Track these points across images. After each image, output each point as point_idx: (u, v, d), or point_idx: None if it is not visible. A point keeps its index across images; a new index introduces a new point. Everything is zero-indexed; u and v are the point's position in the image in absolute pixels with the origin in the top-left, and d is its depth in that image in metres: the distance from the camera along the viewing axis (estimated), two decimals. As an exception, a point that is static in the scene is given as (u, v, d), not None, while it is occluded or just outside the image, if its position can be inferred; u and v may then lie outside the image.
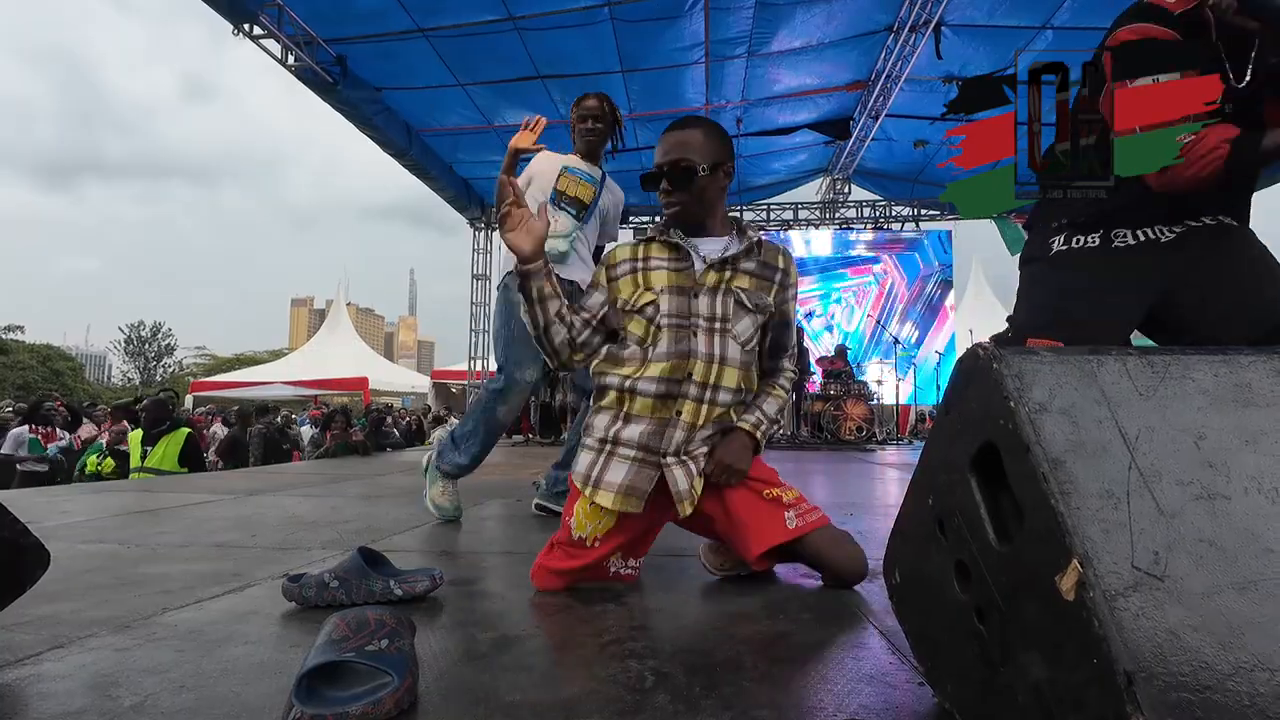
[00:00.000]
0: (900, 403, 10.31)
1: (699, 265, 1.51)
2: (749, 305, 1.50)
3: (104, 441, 6.51)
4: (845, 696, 0.91)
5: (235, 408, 10.65)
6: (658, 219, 1.63)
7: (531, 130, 2.31)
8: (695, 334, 1.46)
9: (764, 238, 1.59)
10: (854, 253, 12.93)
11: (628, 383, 1.45)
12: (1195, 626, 0.54)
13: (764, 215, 12.76)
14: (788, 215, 12.79)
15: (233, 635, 1.13)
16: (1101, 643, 0.53)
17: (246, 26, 6.40)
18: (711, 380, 1.46)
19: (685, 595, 1.44)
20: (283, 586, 1.32)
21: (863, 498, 3.35)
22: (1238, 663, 0.52)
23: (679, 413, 1.44)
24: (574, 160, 2.49)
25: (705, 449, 1.47)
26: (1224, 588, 0.55)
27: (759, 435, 1.52)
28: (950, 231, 12.75)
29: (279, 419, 9.98)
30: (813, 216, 12.74)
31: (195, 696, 0.88)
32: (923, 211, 12.34)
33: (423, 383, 19.86)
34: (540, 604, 1.37)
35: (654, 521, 1.51)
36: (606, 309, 1.52)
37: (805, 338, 10.06)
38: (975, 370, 0.74)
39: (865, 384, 8.79)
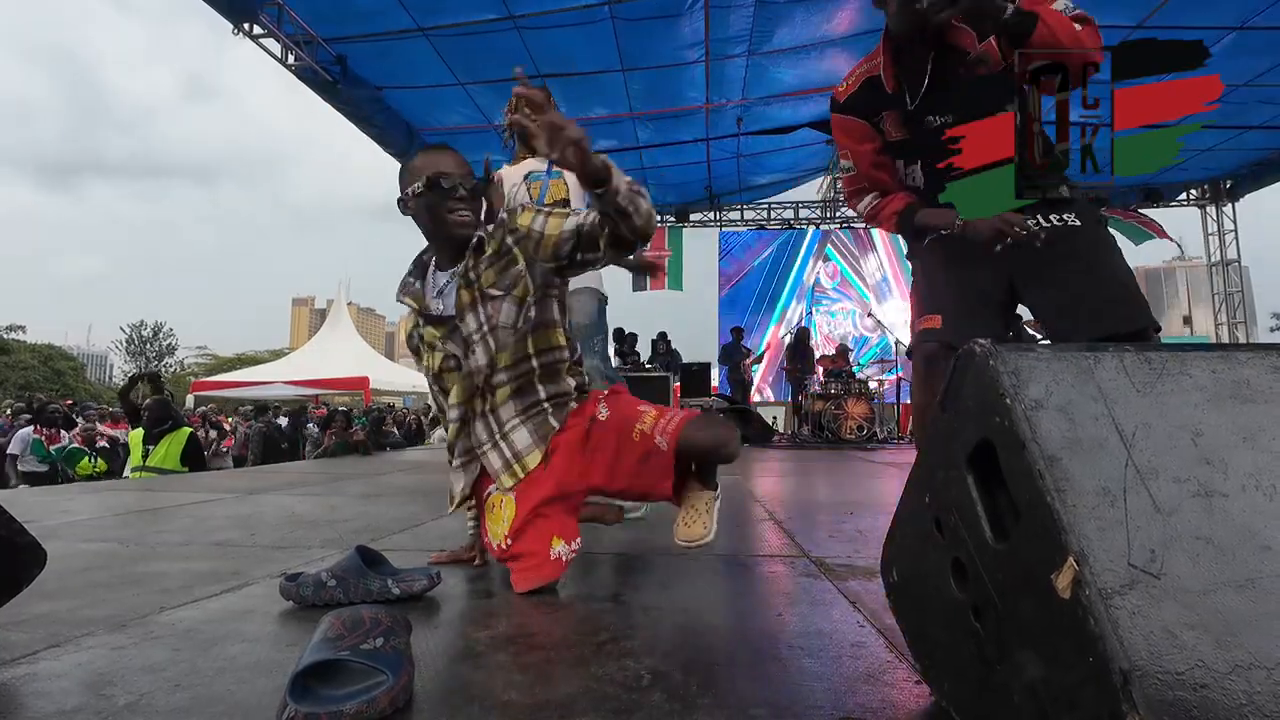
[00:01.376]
0: (901, 401, 10.29)
1: (449, 299, 1.55)
2: (499, 292, 1.51)
3: (77, 444, 6.55)
4: (842, 695, 0.90)
5: (248, 406, 10.65)
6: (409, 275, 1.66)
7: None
8: (473, 350, 1.52)
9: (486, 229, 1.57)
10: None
11: (443, 415, 1.62)
12: (1192, 624, 0.53)
13: (764, 214, 12.75)
14: (788, 214, 12.78)
15: (229, 634, 1.13)
16: (1097, 641, 0.53)
17: (246, 26, 6.40)
18: (490, 376, 1.53)
19: (682, 594, 1.44)
20: (280, 585, 1.32)
21: (863, 497, 3.35)
22: (1234, 661, 0.52)
23: (474, 409, 1.56)
24: (526, 165, 2.41)
25: (518, 420, 1.53)
26: (1221, 585, 0.55)
27: (612, 172, 1.37)
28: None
29: (281, 418, 10.01)
30: (813, 215, 12.73)
31: (190, 695, 0.88)
32: (923, 210, 12.31)
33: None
34: (537, 603, 1.36)
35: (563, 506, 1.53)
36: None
37: (810, 338, 10.01)
38: (971, 367, 0.74)
39: (866, 383, 8.77)
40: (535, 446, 1.52)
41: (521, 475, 1.51)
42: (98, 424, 7.43)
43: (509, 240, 1.52)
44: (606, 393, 1.64)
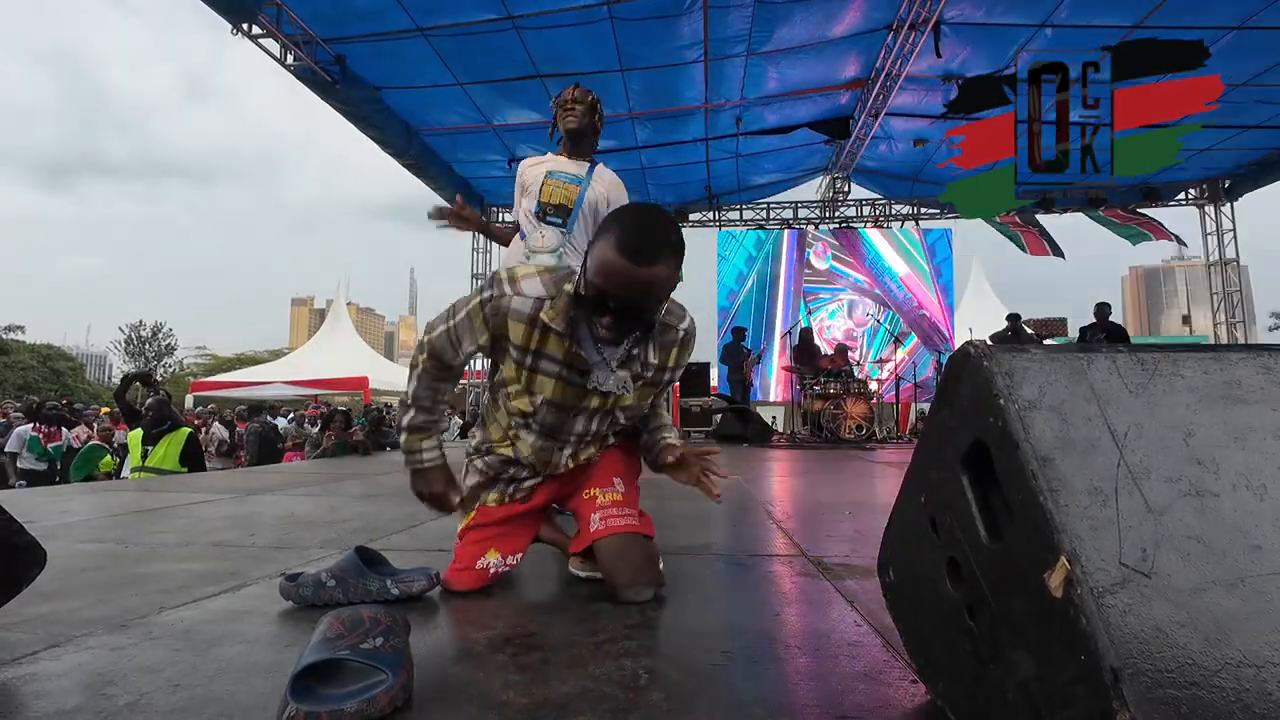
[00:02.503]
0: (900, 400, 10.30)
1: (600, 379, 1.35)
2: (624, 421, 1.49)
3: (96, 442, 6.54)
4: (839, 694, 0.91)
5: (242, 407, 10.66)
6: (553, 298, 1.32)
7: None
8: (562, 448, 1.47)
9: (672, 323, 1.40)
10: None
11: (516, 420, 1.46)
12: (1182, 623, 0.54)
13: (763, 214, 12.76)
14: (787, 214, 12.78)
15: (228, 634, 1.13)
16: (1089, 640, 0.53)
17: (245, 26, 6.41)
18: (589, 434, 1.48)
19: (679, 594, 1.44)
20: (280, 586, 1.33)
21: (862, 496, 3.35)
22: (1224, 659, 0.52)
23: (561, 449, 1.49)
24: (557, 163, 2.40)
25: (589, 456, 1.52)
26: (1211, 584, 0.56)
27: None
28: (950, 231, 12.75)
29: (280, 418, 10.00)
30: (812, 215, 12.74)
31: (190, 695, 0.88)
32: (923, 210, 12.34)
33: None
34: (535, 603, 1.37)
35: (521, 519, 1.52)
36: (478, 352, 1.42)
37: (814, 339, 10.00)
38: (966, 368, 0.74)
39: (865, 382, 8.77)
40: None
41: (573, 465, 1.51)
42: (100, 423, 7.44)
43: (666, 376, 1.45)
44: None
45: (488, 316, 1.34)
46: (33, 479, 6.36)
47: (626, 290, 1.17)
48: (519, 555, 1.50)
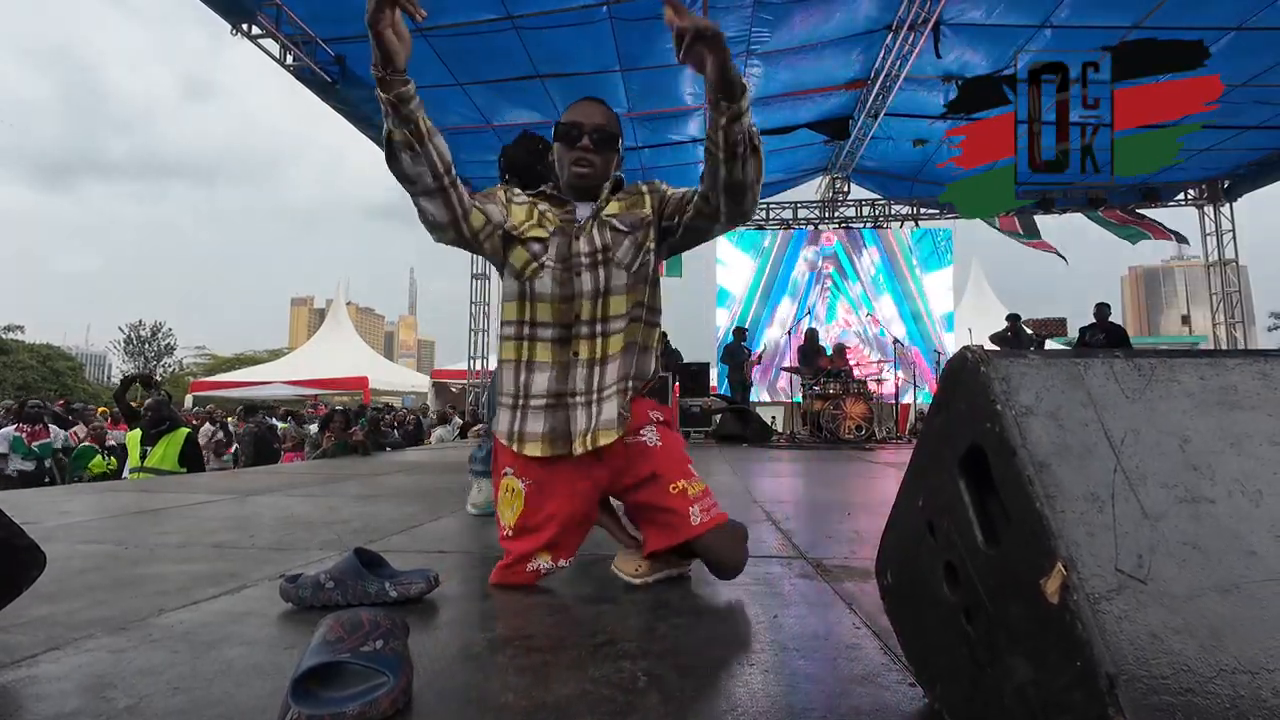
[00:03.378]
0: (900, 401, 10.31)
1: (581, 217, 1.53)
2: (624, 228, 1.51)
3: (89, 443, 6.52)
4: (837, 697, 0.91)
5: (240, 408, 10.66)
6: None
7: None
8: (580, 273, 1.48)
9: (634, 190, 1.59)
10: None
11: (525, 329, 1.49)
12: (1177, 629, 0.54)
13: (763, 214, 12.76)
14: (787, 214, 12.79)
15: (228, 636, 1.14)
16: (1084, 645, 0.54)
17: (245, 26, 6.41)
18: (599, 315, 1.48)
19: (678, 596, 1.45)
20: (280, 587, 1.33)
21: (861, 497, 3.36)
22: (1219, 665, 0.52)
23: (576, 353, 1.48)
24: None
25: (615, 388, 1.48)
26: (1206, 590, 0.56)
27: (744, 87, 1.29)
28: (950, 231, 12.76)
29: (286, 418, 9.99)
30: (812, 215, 12.75)
31: (190, 698, 0.89)
32: (922, 210, 12.35)
33: (423, 382, 19.86)
34: (534, 605, 1.37)
35: (576, 510, 1.49)
36: (502, 224, 1.52)
37: (819, 340, 10.00)
38: (963, 373, 0.75)
39: (865, 382, 8.78)
40: (615, 427, 1.46)
41: (590, 447, 1.44)
42: (96, 423, 7.43)
43: (642, 187, 1.57)
44: (660, 416, 1.57)
45: (506, 194, 1.58)
46: (22, 480, 6.23)
47: (588, 116, 1.53)
48: (571, 559, 1.50)
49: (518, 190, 1.60)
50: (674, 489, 1.46)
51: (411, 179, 1.39)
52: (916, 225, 12.64)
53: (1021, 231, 11.70)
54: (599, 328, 1.48)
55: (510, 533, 1.48)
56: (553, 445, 1.45)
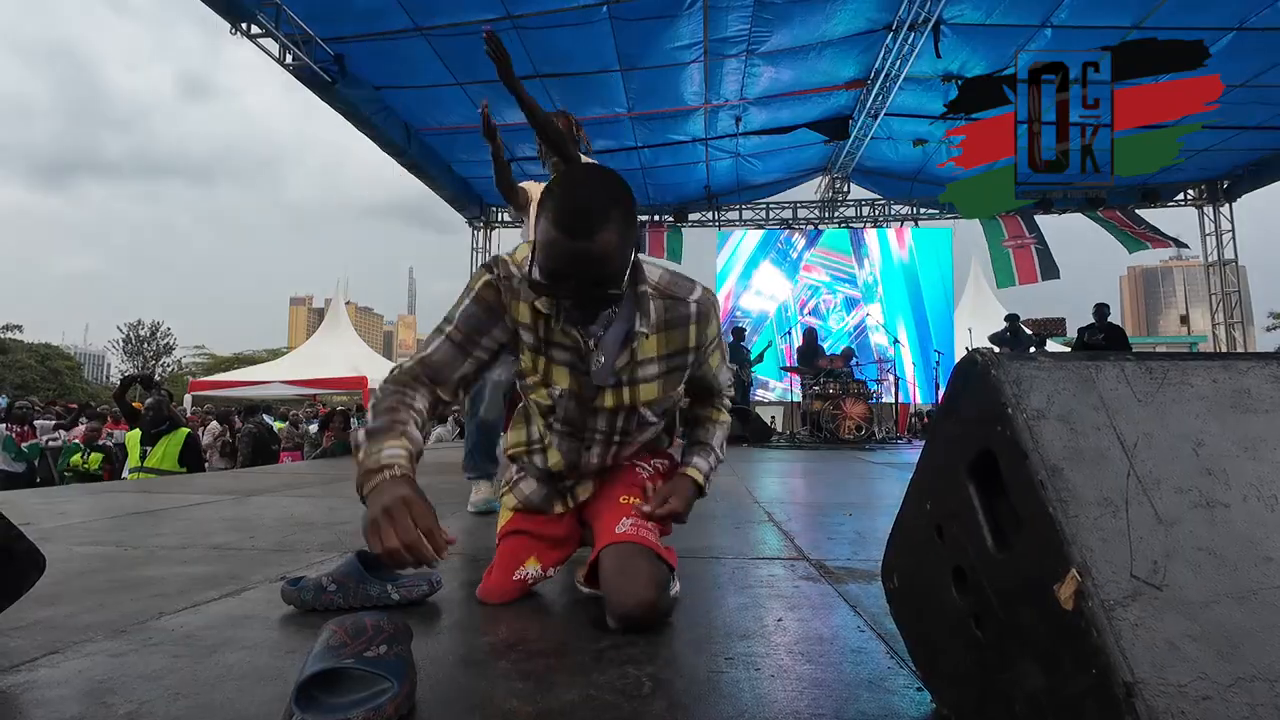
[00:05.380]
0: (899, 401, 10.31)
1: (596, 373, 1.26)
2: (654, 419, 1.37)
3: (79, 442, 6.50)
4: (843, 702, 0.90)
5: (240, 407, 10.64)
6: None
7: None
8: (589, 447, 1.36)
9: (680, 295, 1.28)
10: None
11: (536, 442, 1.40)
12: (1194, 636, 0.53)
13: (763, 214, 12.76)
14: (786, 214, 12.79)
15: (229, 640, 1.13)
16: (1100, 653, 0.53)
17: (244, 25, 6.39)
18: (611, 456, 1.39)
19: (683, 602, 1.44)
20: (282, 589, 1.32)
21: (862, 498, 3.35)
22: (1236, 673, 0.52)
23: (581, 465, 1.39)
24: None
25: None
26: (1223, 597, 0.55)
27: (706, 486, 1.42)
28: (950, 230, 12.76)
29: (285, 419, 9.98)
30: (812, 215, 12.74)
31: (190, 704, 0.88)
32: (922, 210, 12.35)
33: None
34: (538, 609, 1.36)
35: (565, 527, 1.44)
36: (503, 351, 1.30)
37: (817, 340, 9.99)
38: (973, 375, 0.74)
39: (865, 383, 8.77)
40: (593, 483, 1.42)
41: (571, 506, 1.41)
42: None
43: (690, 319, 1.29)
44: (662, 466, 1.48)
45: (501, 292, 1.23)
46: (9, 482, 6.10)
47: (571, 267, 1.09)
48: (559, 566, 1.43)
49: (524, 308, 1.24)
50: (623, 499, 1.34)
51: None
52: (916, 225, 12.64)
53: (1009, 251, 11.68)
54: (611, 442, 1.37)
55: (501, 537, 1.44)
56: (535, 508, 1.42)
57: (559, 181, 1.13)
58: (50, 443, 7.14)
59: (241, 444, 7.41)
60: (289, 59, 6.74)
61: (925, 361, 12.21)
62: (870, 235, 12.73)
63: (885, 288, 12.79)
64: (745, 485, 3.70)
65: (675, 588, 1.38)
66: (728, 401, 1.49)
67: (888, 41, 7.62)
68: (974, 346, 0.95)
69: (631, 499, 1.34)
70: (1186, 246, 11.90)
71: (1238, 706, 0.51)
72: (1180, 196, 11.61)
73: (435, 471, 4.70)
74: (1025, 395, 0.67)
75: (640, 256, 1.25)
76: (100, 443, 6.69)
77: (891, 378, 9.81)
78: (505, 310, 1.25)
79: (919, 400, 12.61)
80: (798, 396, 9.32)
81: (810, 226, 12.77)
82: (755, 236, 12.78)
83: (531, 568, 1.38)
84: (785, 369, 10.54)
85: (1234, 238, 11.45)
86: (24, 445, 6.61)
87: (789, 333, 12.38)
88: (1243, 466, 0.62)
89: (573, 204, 1.08)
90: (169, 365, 45.76)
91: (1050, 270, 11.55)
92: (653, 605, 1.17)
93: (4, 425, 6.78)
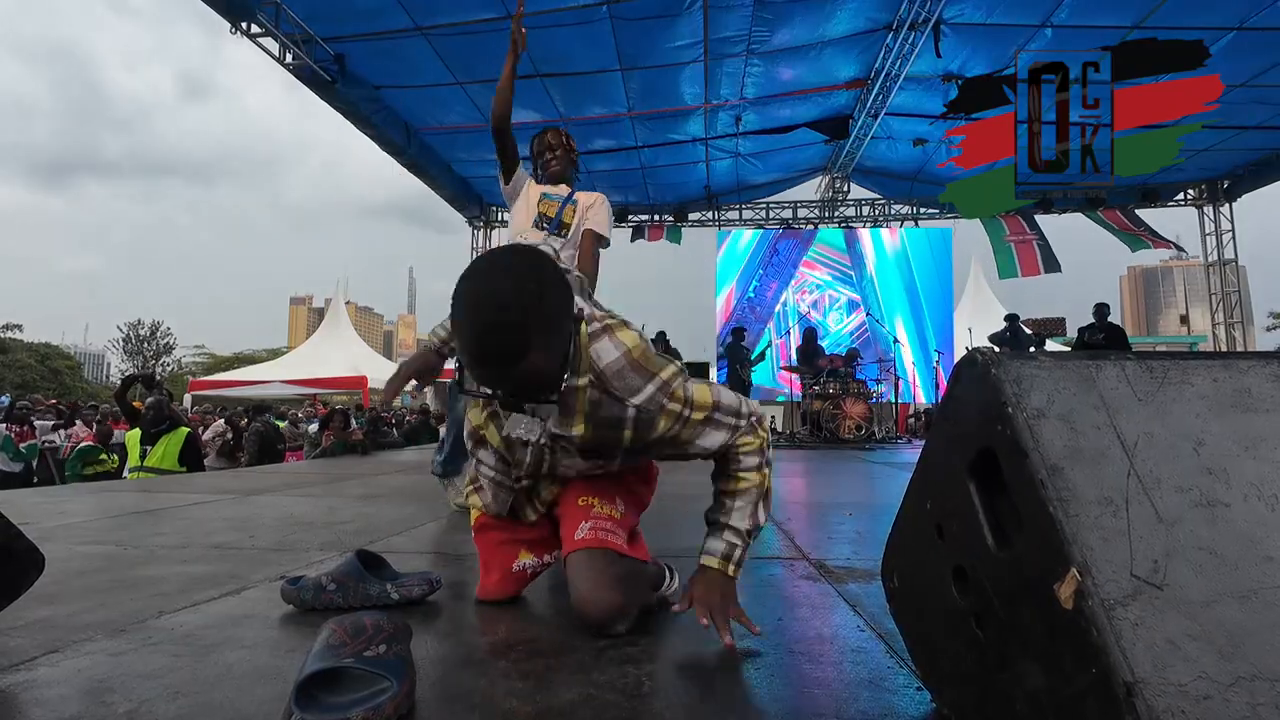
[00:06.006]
0: (899, 401, 10.30)
1: (534, 431, 1.22)
2: (585, 465, 1.28)
3: (92, 443, 6.48)
4: (844, 701, 0.90)
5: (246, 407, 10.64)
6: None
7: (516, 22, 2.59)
8: (519, 496, 1.37)
9: (620, 396, 1.15)
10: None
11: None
12: (1195, 636, 0.53)
13: (762, 214, 12.75)
14: (786, 214, 12.78)
15: (229, 639, 1.13)
16: (1100, 652, 0.53)
17: (244, 25, 6.39)
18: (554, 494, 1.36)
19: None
20: (281, 589, 1.32)
21: (862, 497, 3.35)
22: (1237, 673, 0.52)
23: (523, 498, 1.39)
24: (545, 187, 2.75)
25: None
26: (1224, 596, 0.55)
27: (729, 568, 1.20)
28: (950, 230, 12.75)
29: (284, 418, 9.98)
30: (812, 215, 12.74)
31: (190, 703, 0.88)
32: (922, 210, 12.35)
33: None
34: (537, 608, 1.36)
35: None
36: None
37: (817, 338, 9.98)
38: (973, 375, 0.74)
39: (865, 382, 8.77)
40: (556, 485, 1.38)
41: (542, 510, 1.38)
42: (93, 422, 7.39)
43: (627, 416, 1.16)
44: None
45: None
46: (6, 481, 6.06)
47: (498, 386, 1.05)
48: (555, 552, 1.37)
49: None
50: (582, 501, 1.29)
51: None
52: (916, 225, 12.63)
53: (1012, 246, 11.66)
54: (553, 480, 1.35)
55: (477, 530, 1.41)
56: (495, 511, 1.39)
57: (466, 295, 0.99)
58: (47, 443, 7.13)
59: (249, 443, 7.40)
60: (289, 58, 6.73)
61: (925, 361, 12.21)
62: (864, 235, 12.70)
63: (881, 286, 12.76)
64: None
65: (673, 585, 1.38)
66: (748, 460, 1.22)
67: (888, 41, 7.61)
68: (974, 346, 0.95)
69: (591, 500, 1.29)
70: (1184, 251, 11.91)
71: (1238, 706, 0.51)
72: (1180, 196, 11.61)
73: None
74: (1026, 394, 0.67)
75: (613, 331, 1.16)
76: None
77: (894, 376, 9.80)
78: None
79: (921, 400, 12.60)
80: (798, 396, 9.31)
81: (810, 226, 12.76)
82: (750, 235, 12.77)
83: (527, 559, 1.38)
84: (786, 368, 10.53)
85: (1234, 238, 11.45)
86: (22, 445, 6.59)
87: (788, 332, 12.38)
88: (1243, 466, 0.62)
89: (479, 336, 0.97)
90: (169, 365, 45.75)
91: (1052, 264, 11.54)
92: (620, 607, 1.16)
93: (4, 425, 6.77)
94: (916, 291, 12.76)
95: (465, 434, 1.46)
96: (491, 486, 1.38)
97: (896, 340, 11.36)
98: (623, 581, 1.19)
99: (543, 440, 1.22)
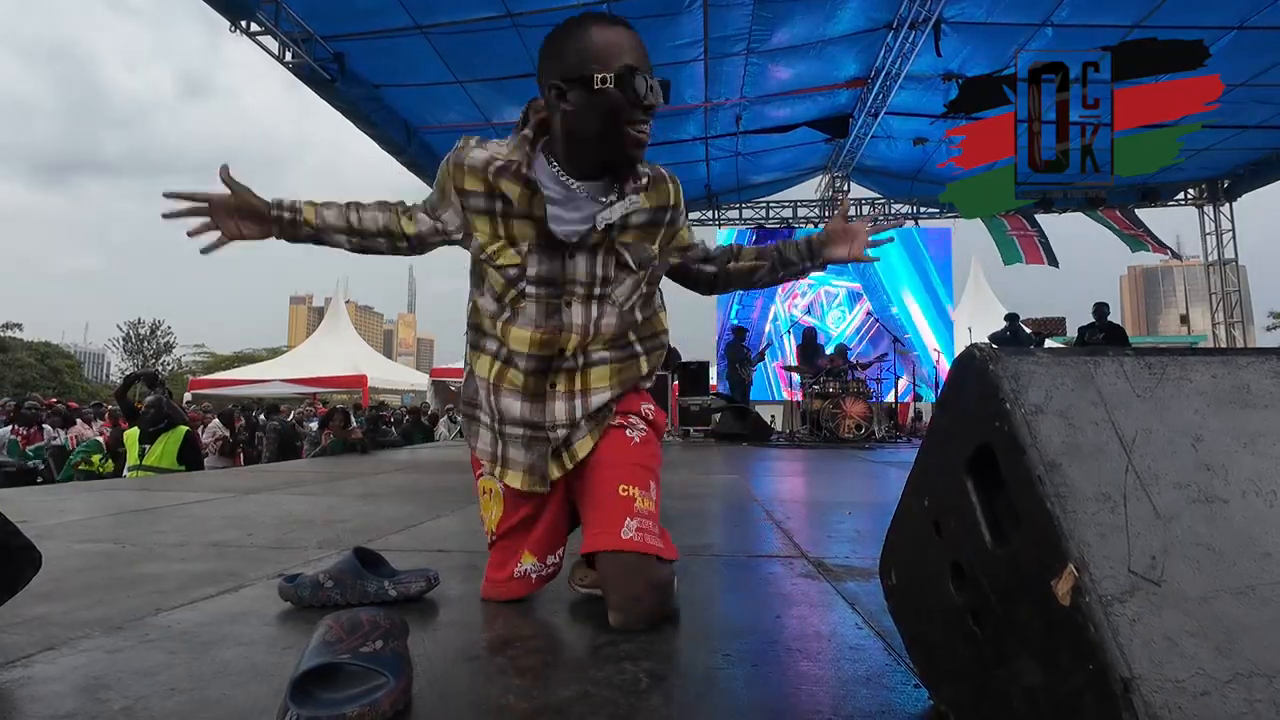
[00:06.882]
0: (899, 400, 10.30)
1: (583, 224, 1.25)
2: (633, 265, 1.29)
3: (102, 440, 6.48)
4: (841, 699, 0.90)
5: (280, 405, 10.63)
6: (515, 135, 1.29)
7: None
8: (569, 304, 1.28)
9: (653, 167, 1.31)
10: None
11: (500, 350, 1.32)
12: (1192, 632, 0.53)
13: (763, 213, 12.75)
14: (787, 213, 12.79)
15: (226, 637, 1.13)
16: (1097, 649, 0.53)
17: (244, 24, 6.39)
18: (585, 349, 1.31)
19: (680, 596, 1.44)
20: (279, 587, 1.32)
21: (861, 496, 3.35)
22: (1235, 669, 0.51)
23: (553, 384, 1.31)
24: None
25: (600, 414, 1.33)
26: (1221, 592, 0.55)
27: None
28: (950, 230, 12.75)
29: (290, 417, 9.98)
30: (812, 214, 12.74)
31: (186, 699, 0.88)
32: (922, 209, 12.35)
33: (422, 381, 19.84)
34: (535, 605, 1.36)
35: (554, 509, 1.39)
36: (457, 236, 1.33)
37: (817, 337, 9.97)
38: (971, 371, 0.74)
39: (864, 381, 8.77)
40: (589, 435, 1.32)
41: (570, 467, 1.32)
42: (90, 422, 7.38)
43: (667, 185, 1.30)
44: (651, 412, 1.40)
45: (451, 171, 1.27)
46: (8, 479, 6.05)
47: (636, 54, 1.22)
48: (560, 553, 1.37)
49: (475, 160, 1.25)
50: (623, 490, 1.25)
51: (374, 250, 1.40)
52: (916, 224, 12.63)
53: (1015, 239, 11.68)
54: (582, 360, 1.31)
55: (494, 538, 1.39)
56: (532, 482, 1.32)
57: (568, 22, 1.26)
58: (52, 441, 7.13)
59: (268, 440, 7.41)
60: (289, 57, 6.73)
61: (925, 361, 12.20)
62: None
63: (884, 287, 12.75)
64: (745, 483, 3.70)
65: (678, 585, 1.38)
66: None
67: (888, 40, 7.61)
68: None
69: (631, 489, 1.25)
70: (1180, 258, 11.94)
71: (1235, 702, 0.50)
72: (1180, 196, 11.62)
73: (435, 470, 4.70)
74: (1023, 390, 0.67)
75: None
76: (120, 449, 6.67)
77: (912, 355, 9.80)
78: (453, 190, 1.29)
79: (923, 399, 12.60)
80: (798, 395, 9.32)
81: (810, 226, 12.76)
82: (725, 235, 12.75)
83: (529, 563, 1.36)
84: (787, 368, 10.53)
85: (1234, 237, 11.45)
86: (29, 448, 6.59)
87: (788, 332, 12.37)
88: (1242, 461, 0.62)
89: (602, 19, 1.22)
90: (169, 364, 45.75)
91: (1052, 260, 11.58)
92: (657, 616, 1.20)
93: (10, 428, 6.77)
94: (916, 291, 12.74)
95: (467, 386, 1.39)
96: (523, 445, 1.31)
97: (896, 340, 11.32)
98: (662, 589, 1.23)
99: (614, 220, 1.24)
